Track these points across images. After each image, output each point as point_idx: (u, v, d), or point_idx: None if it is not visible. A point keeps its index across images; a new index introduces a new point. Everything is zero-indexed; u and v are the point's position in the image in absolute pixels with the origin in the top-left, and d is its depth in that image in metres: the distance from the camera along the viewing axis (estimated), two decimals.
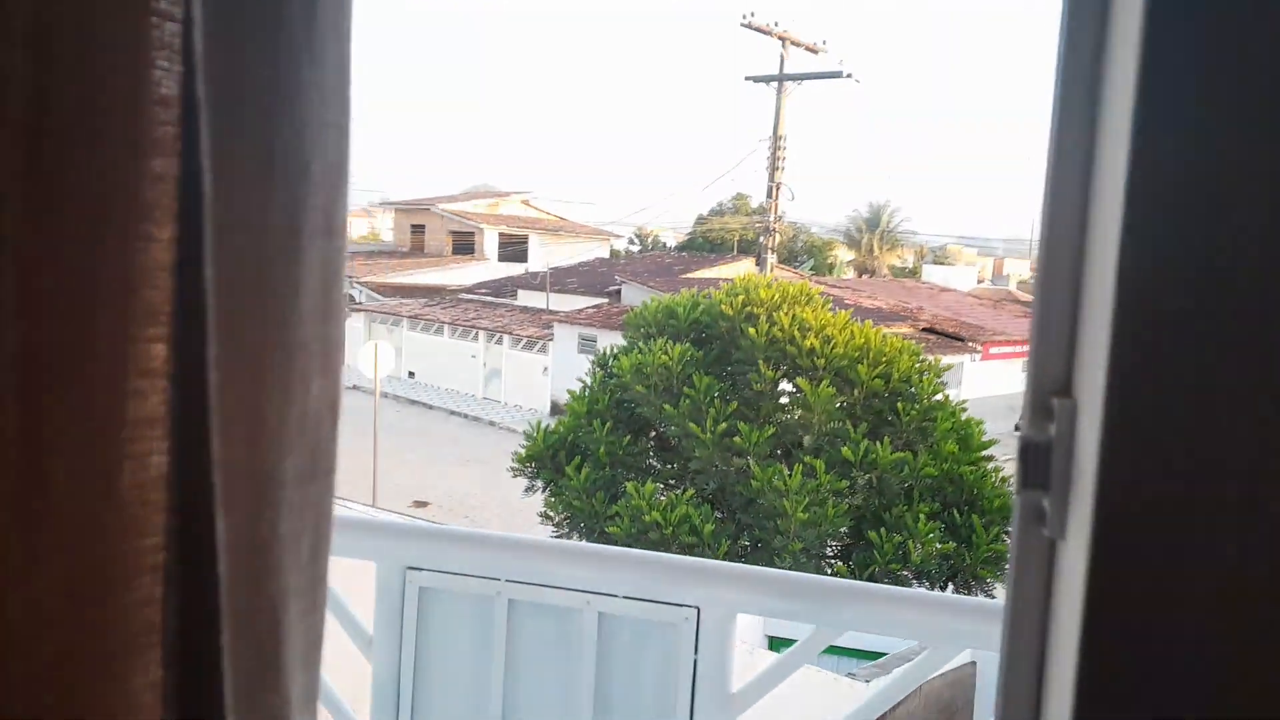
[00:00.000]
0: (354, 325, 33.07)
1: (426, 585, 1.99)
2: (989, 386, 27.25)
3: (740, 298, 8.75)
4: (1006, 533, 8.76)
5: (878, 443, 8.22)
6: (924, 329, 27.28)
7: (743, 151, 21.76)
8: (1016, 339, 29.89)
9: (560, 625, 1.94)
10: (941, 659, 1.72)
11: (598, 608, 1.91)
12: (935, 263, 61.12)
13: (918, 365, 8.81)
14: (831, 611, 1.75)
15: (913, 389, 8.77)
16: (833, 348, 8.34)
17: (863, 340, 8.55)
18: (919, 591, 1.65)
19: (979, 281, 56.13)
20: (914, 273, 53.50)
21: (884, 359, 8.51)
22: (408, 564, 1.99)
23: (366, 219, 79.70)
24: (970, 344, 27.31)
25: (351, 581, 2.30)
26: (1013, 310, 36.86)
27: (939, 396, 8.93)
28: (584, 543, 1.85)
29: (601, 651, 1.92)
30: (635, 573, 1.86)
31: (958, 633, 1.69)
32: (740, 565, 1.83)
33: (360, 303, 35.01)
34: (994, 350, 28.37)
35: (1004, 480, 9.02)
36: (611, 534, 8.26)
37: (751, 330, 8.45)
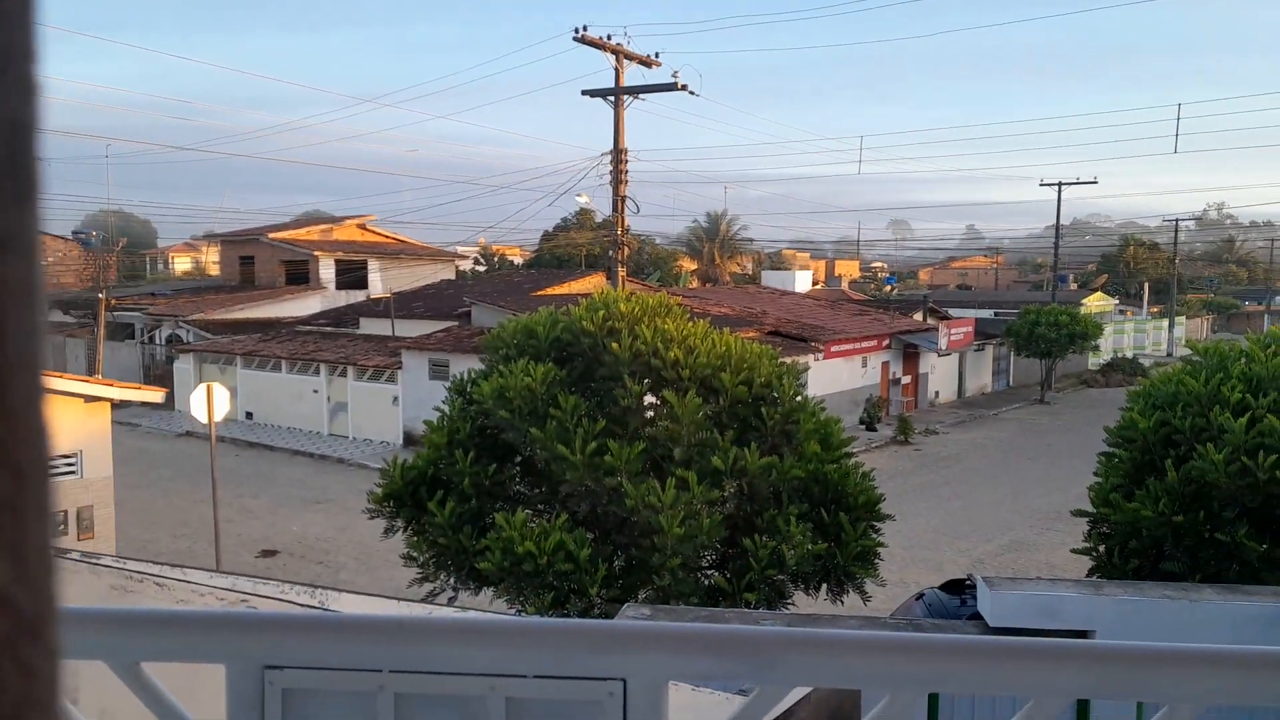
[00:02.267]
0: (183, 367, 30.88)
1: (291, 686, 1.64)
2: (832, 383, 28.24)
3: (601, 313, 8.53)
4: (873, 528, 8.90)
5: (745, 449, 8.17)
6: (770, 332, 27.99)
7: (585, 166, 21.64)
8: (854, 336, 31.19)
9: (461, 718, 1.63)
10: (900, 708, 1.52)
11: (504, 692, 1.62)
12: (773, 268, 63.18)
13: (777, 369, 8.84)
14: (778, 668, 1.52)
15: (774, 393, 8.79)
16: (696, 358, 8.25)
17: (724, 348, 8.50)
18: (867, 634, 1.45)
19: (814, 284, 58.43)
20: (754, 279, 55.07)
21: (745, 365, 8.48)
22: (265, 662, 1.64)
23: (190, 254, 75.11)
24: (813, 344, 28.21)
25: (195, 689, 1.90)
26: (848, 309, 38.47)
27: (799, 398, 8.99)
28: (484, 615, 1.60)
29: None
30: (546, 645, 1.58)
31: (919, 676, 1.50)
32: (667, 624, 1.58)
33: (188, 342, 32.75)
34: (835, 349, 29.45)
35: (865, 475, 9.18)
36: (483, 569, 7.85)
37: (615, 345, 8.25)
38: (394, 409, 26.36)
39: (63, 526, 11.76)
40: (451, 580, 8.58)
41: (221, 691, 1.70)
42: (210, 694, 1.87)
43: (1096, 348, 40.56)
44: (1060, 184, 45.05)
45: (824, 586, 8.73)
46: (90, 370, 29.09)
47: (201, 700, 1.77)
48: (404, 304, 32.26)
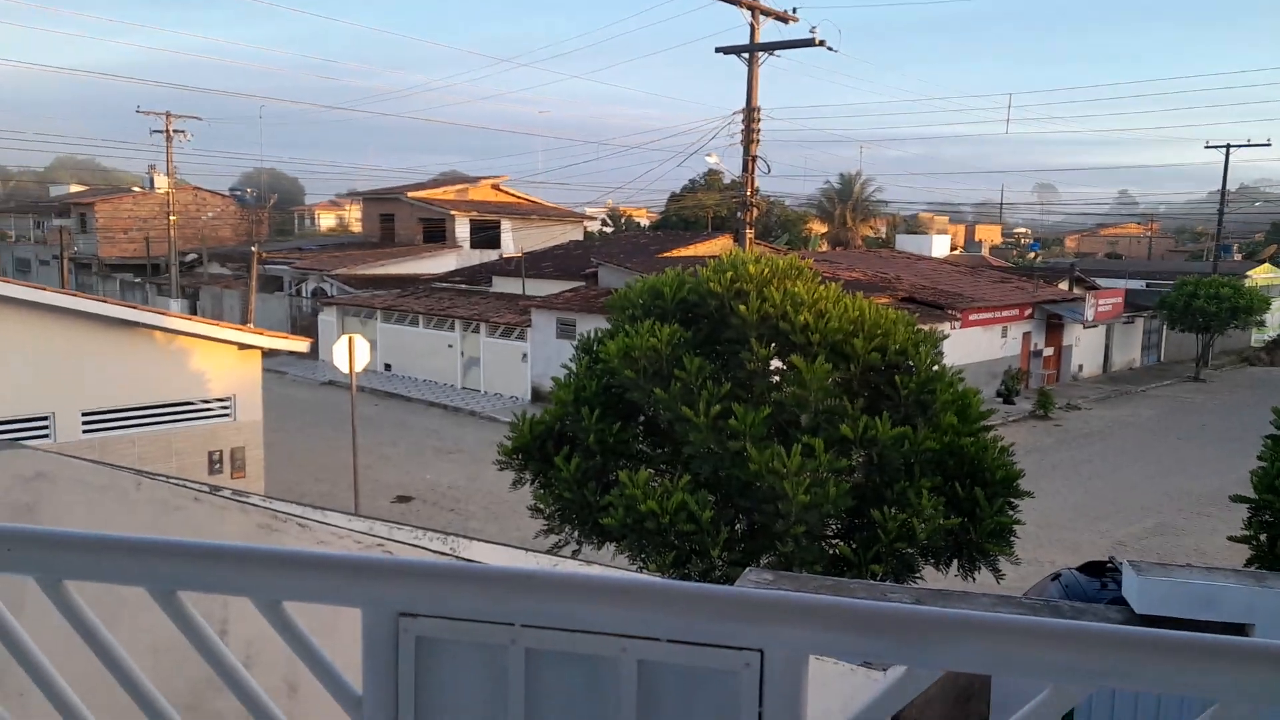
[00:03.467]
0: (326, 319, 32.42)
1: (424, 634, 1.64)
2: (969, 353, 27.16)
3: (728, 274, 8.40)
4: (1010, 504, 8.53)
5: (876, 418, 7.92)
6: (903, 298, 27.10)
7: (715, 126, 21.33)
8: (994, 305, 29.87)
9: (591, 677, 1.60)
10: (1066, 702, 1.39)
11: (636, 655, 1.57)
12: (908, 232, 61.11)
13: (913, 336, 8.51)
14: (931, 649, 1.42)
15: (909, 361, 8.48)
16: (826, 322, 8.02)
17: (857, 313, 8.24)
18: (1032, 620, 1.32)
19: (952, 249, 56.18)
20: (887, 243, 53.42)
21: (879, 331, 8.20)
22: (400, 609, 1.64)
23: (334, 211, 78.60)
24: (949, 311, 27.17)
25: (334, 630, 1.94)
26: (989, 276, 36.84)
27: (936, 368, 8.65)
28: (618, 572, 1.59)
29: (643, 708, 1.58)
30: (682, 610, 1.52)
31: (1088, 669, 1.36)
32: (811, 596, 1.49)
33: (332, 296, 34.33)
34: (973, 317, 28.29)
35: (1003, 450, 8.78)
36: (606, 525, 7.94)
37: (742, 307, 8.11)
38: (523, 365, 26.97)
39: (218, 465, 12.57)
40: (575, 534, 8.72)
41: (357, 636, 1.73)
42: (345, 638, 1.91)
43: (1262, 323, 37.57)
44: (1229, 146, 41.65)
45: (955, 562, 8.44)
46: (244, 320, 30.94)
47: (339, 643, 1.80)
48: (534, 264, 32.83)
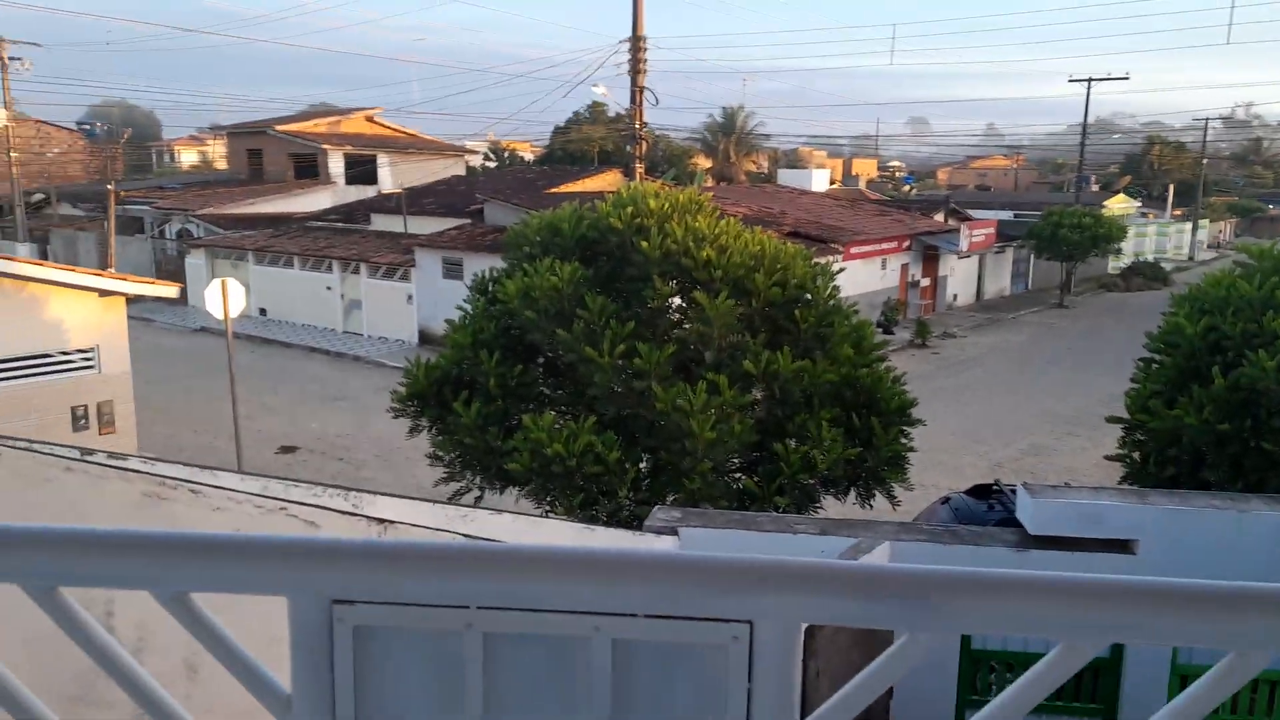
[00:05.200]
0: (195, 262, 30.61)
1: (362, 623, 1.44)
2: (853, 285, 27.82)
3: (629, 209, 8.19)
4: (903, 433, 8.74)
5: (777, 352, 7.94)
6: (789, 233, 27.43)
7: (599, 56, 20.81)
8: (875, 238, 30.58)
9: (560, 661, 1.44)
10: (1078, 659, 1.31)
11: (611, 633, 1.42)
12: (789, 166, 61.85)
13: (812, 270, 8.53)
14: (935, 612, 1.31)
15: (808, 295, 8.51)
16: (729, 257, 7.93)
17: (757, 248, 8.18)
18: (1047, 577, 1.21)
19: (831, 183, 57.15)
20: (770, 178, 53.96)
21: (780, 266, 8.18)
22: (333, 596, 1.43)
23: (196, 147, 73.87)
24: (833, 245, 27.69)
25: (257, 623, 1.72)
26: (868, 210, 37.69)
27: (833, 301, 8.72)
28: (587, 546, 1.46)
29: (619, 690, 1.43)
30: (659, 581, 1.37)
31: (1106, 624, 1.28)
32: (804, 560, 1.36)
33: (199, 237, 32.37)
34: (854, 250, 28.92)
35: (896, 380, 8.97)
36: (511, 470, 7.75)
37: (644, 244, 7.93)
38: (408, 307, 26.17)
39: (84, 421, 11.72)
40: (478, 480, 8.50)
41: (270, 625, 1.51)
42: (255, 629, 1.69)
43: (1119, 251, 39.86)
44: (1090, 80, 43.48)
45: (851, 491, 8.63)
46: (103, 264, 28.86)
47: (262, 643, 1.58)
48: (415, 200, 31.71)
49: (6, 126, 37.60)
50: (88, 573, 1.44)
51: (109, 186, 31.38)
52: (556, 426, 7.80)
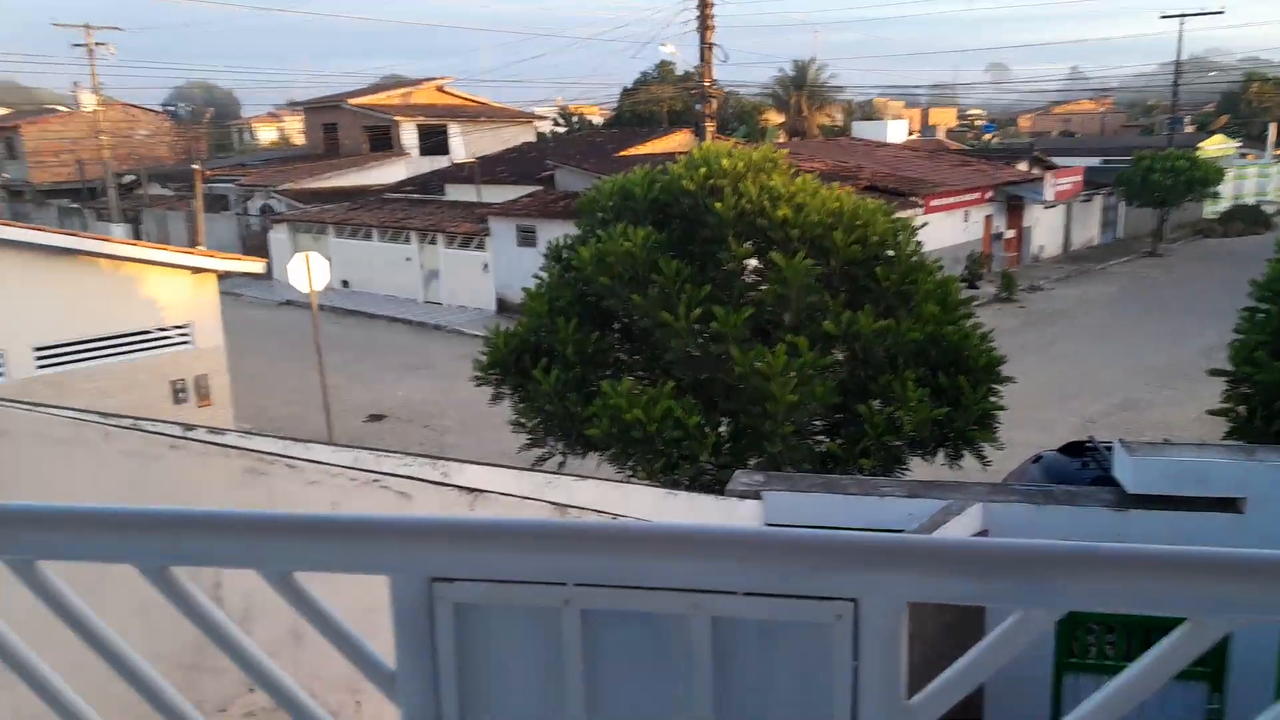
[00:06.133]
0: (278, 237, 31.44)
1: (463, 600, 1.45)
2: (934, 240, 27.10)
3: (702, 170, 8.07)
4: (992, 391, 8.51)
5: (858, 312, 7.78)
6: (866, 187, 26.80)
7: (666, 15, 20.48)
8: (956, 189, 29.68)
9: (659, 639, 1.42)
10: (1206, 639, 1.24)
11: (710, 610, 1.39)
12: (864, 118, 60.25)
13: (893, 226, 8.31)
14: (1053, 590, 1.25)
15: (889, 251, 8.30)
16: (805, 216, 7.77)
17: (835, 204, 7.99)
18: (1173, 552, 1.14)
19: (909, 134, 55.53)
20: (844, 131, 52.67)
21: (859, 222, 7.98)
22: (433, 574, 1.45)
23: (274, 123, 75.59)
24: (912, 198, 26.97)
25: (361, 601, 1.75)
26: (948, 160, 36.56)
27: (915, 257, 8.49)
28: (685, 523, 1.45)
29: (720, 670, 1.41)
30: (762, 559, 1.34)
31: (1243, 601, 1.21)
32: (910, 537, 1.31)
33: (281, 213, 33.23)
34: (935, 203, 28.13)
35: (984, 337, 8.72)
36: (591, 436, 7.80)
37: (718, 205, 7.82)
38: (485, 276, 26.48)
39: (183, 394, 12.21)
40: (560, 446, 8.59)
41: (365, 596, 1.54)
42: (352, 599, 1.72)
43: (1216, 195, 37.91)
44: (1183, 15, 41.15)
45: (939, 452, 8.46)
46: (192, 242, 29.89)
47: (367, 620, 1.61)
48: (487, 168, 31.93)
49: (97, 111, 39.03)
50: (197, 553, 1.48)
51: (195, 166, 32.38)
52: (635, 392, 7.81)
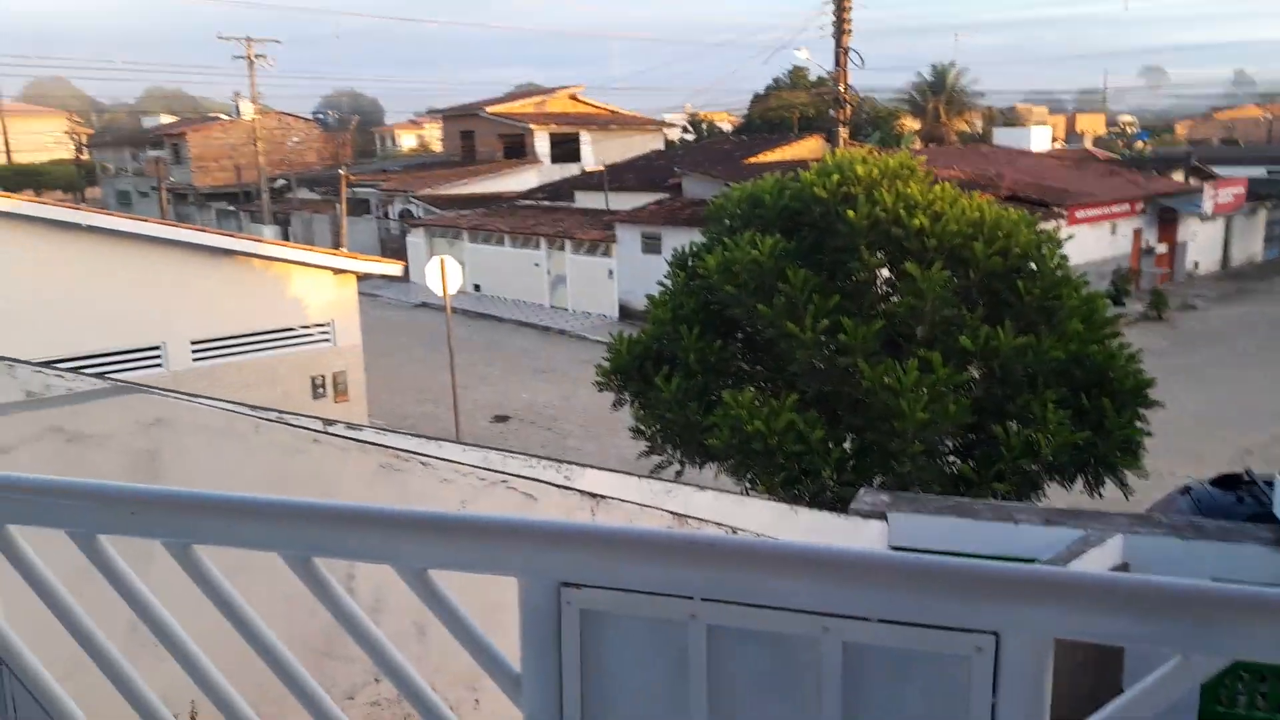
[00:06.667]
0: (415, 241, 32.72)
1: (590, 607, 1.45)
2: (1079, 253, 25.82)
3: (834, 177, 7.92)
4: (1138, 415, 8.03)
5: (998, 327, 7.47)
6: (1006, 197, 25.79)
7: (799, 21, 20.26)
8: (1103, 200, 28.20)
9: (786, 660, 1.39)
10: None
11: (842, 635, 1.35)
12: (1005, 125, 58.00)
13: (1037, 238, 7.95)
14: (1215, 635, 1.15)
15: (1032, 265, 7.95)
16: (943, 225, 7.52)
17: (976, 214, 7.71)
18: None
19: (1053, 142, 53.12)
20: (984, 138, 50.86)
21: (1001, 234, 7.67)
22: (562, 578, 1.45)
23: (414, 130, 78.77)
24: (1055, 209, 25.79)
25: (490, 601, 1.77)
26: (1095, 170, 34.79)
27: (1060, 272, 8.09)
28: (817, 544, 1.43)
29: (850, 696, 1.36)
30: (898, 585, 1.28)
31: None
32: (1061, 570, 1.24)
33: (418, 217, 34.56)
34: (1079, 214, 26.83)
35: (1132, 358, 8.24)
36: (711, 446, 7.76)
37: (850, 213, 7.66)
38: (609, 282, 26.80)
39: (322, 390, 12.82)
40: (678, 454, 8.59)
41: (488, 593, 1.56)
42: (476, 596, 1.74)
43: None
44: None
45: (1079, 478, 8.03)
46: (335, 244, 31.43)
47: (494, 620, 1.63)
48: (616, 176, 32.33)
49: (254, 119, 41.58)
50: (338, 546, 1.54)
51: (340, 171, 34.07)
52: (757, 403, 7.72)
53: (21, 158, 65.44)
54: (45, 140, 66.18)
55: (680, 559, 1.38)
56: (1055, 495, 8.11)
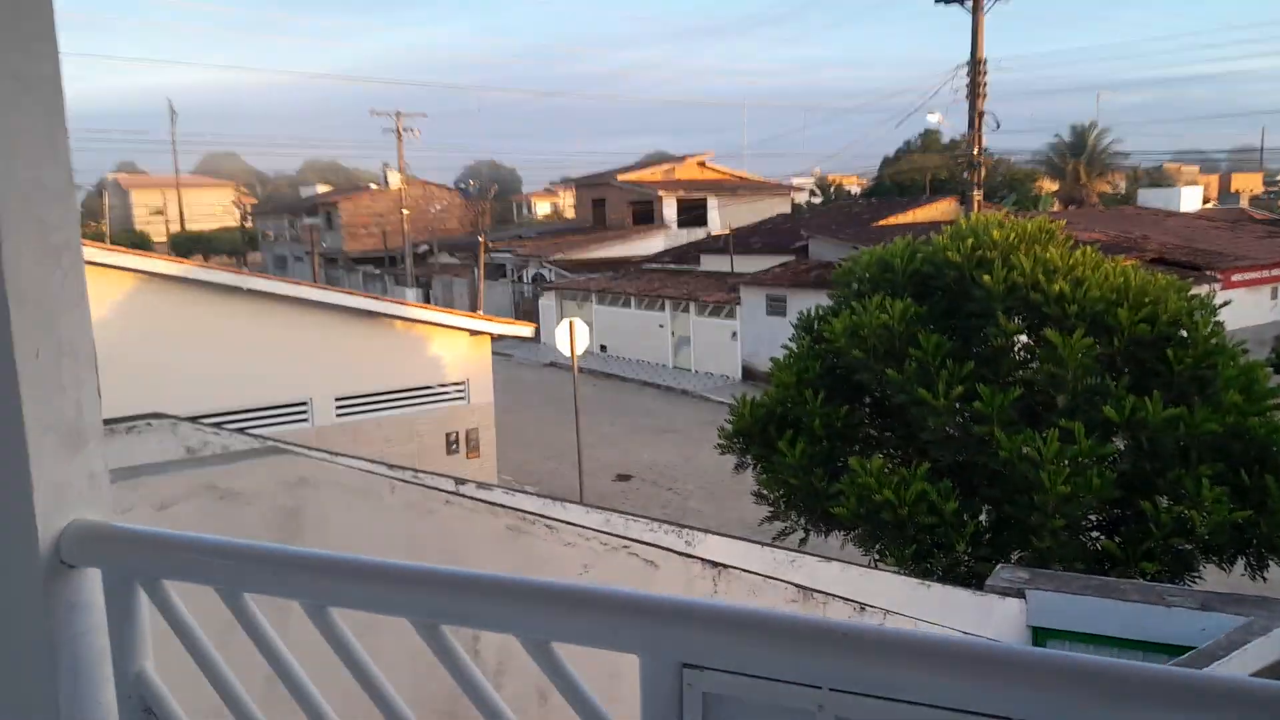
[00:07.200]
0: (546, 303, 33.64)
1: (713, 690, 1.41)
2: (1236, 319, 24.21)
3: (969, 241, 7.72)
4: None
5: (1145, 398, 7.04)
6: (1152, 260, 24.52)
7: (932, 85, 20.05)
8: (1261, 263, 26.45)
9: None
10: None
11: None
12: (1151, 185, 55.47)
13: (1188, 304, 7.50)
14: None
15: (1182, 332, 7.49)
16: (1085, 291, 7.19)
17: (1120, 279, 7.35)
18: None
19: (1205, 202, 50.36)
20: (1128, 199, 48.75)
21: (1147, 299, 7.27)
22: (683, 659, 1.42)
23: (549, 198, 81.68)
24: (1208, 273, 24.33)
25: (610, 676, 1.76)
26: (1252, 231, 32.71)
27: (1215, 340, 7.59)
28: (961, 636, 1.34)
29: None
30: (1049, 684, 1.20)
31: None
32: (1246, 678, 1.12)
33: (550, 281, 35.57)
34: (1235, 278, 25.22)
35: None
36: (837, 514, 7.56)
37: (986, 277, 7.43)
38: (733, 344, 26.77)
39: (455, 446, 13.21)
40: (803, 521, 8.40)
41: (635, 687, 1.53)
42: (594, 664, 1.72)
43: None
44: None
45: (1239, 560, 7.41)
46: (473, 306, 32.67)
47: (614, 696, 1.61)
48: (741, 240, 32.49)
49: (400, 189, 43.99)
50: (464, 614, 1.56)
51: (479, 237, 35.53)
52: (886, 471, 7.50)
53: (194, 225, 71.40)
54: (215, 210, 72.10)
55: (809, 646, 1.33)
56: (1212, 577, 7.49)
